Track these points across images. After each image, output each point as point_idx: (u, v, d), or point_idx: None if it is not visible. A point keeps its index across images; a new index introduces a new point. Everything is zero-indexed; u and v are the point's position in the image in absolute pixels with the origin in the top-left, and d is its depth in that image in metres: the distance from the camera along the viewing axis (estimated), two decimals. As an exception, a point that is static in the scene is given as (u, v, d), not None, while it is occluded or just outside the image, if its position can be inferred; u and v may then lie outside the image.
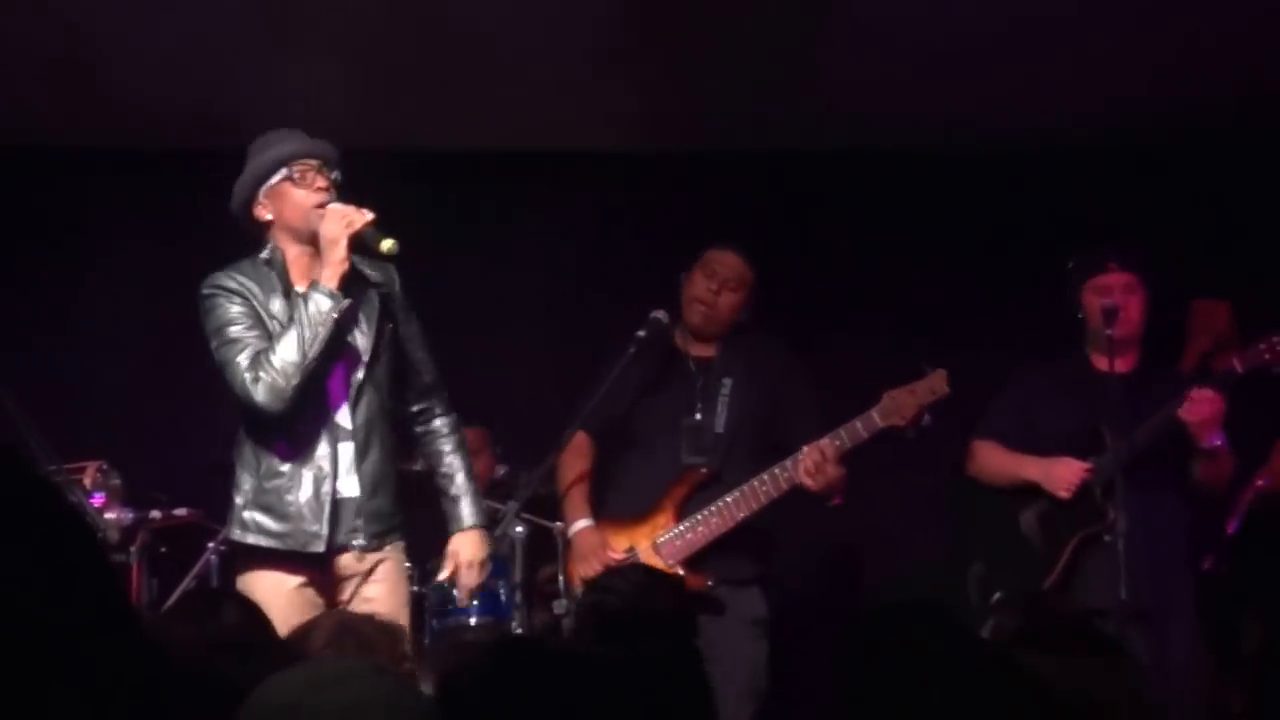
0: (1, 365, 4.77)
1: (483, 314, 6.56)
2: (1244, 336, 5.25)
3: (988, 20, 5.73)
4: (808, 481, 4.98)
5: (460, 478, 4.50)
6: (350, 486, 4.33)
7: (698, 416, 5.17)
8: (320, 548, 4.25)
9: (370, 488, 4.33)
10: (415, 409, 4.53)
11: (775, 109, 6.32)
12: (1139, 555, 4.90)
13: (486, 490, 6.04)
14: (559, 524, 5.26)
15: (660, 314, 5.19)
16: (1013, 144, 6.57)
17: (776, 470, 5.02)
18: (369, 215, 4.21)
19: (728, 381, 5.20)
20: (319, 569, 4.30)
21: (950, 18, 5.70)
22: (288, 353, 4.17)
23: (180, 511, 5.30)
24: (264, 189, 4.31)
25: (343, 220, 4.20)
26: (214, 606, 2.95)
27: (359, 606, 4.20)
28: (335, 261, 4.20)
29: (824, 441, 4.97)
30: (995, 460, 5.32)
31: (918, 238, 6.74)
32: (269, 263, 4.32)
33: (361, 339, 4.35)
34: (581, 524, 5.17)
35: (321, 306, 4.19)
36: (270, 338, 4.24)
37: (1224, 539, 5.53)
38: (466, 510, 4.48)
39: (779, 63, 5.96)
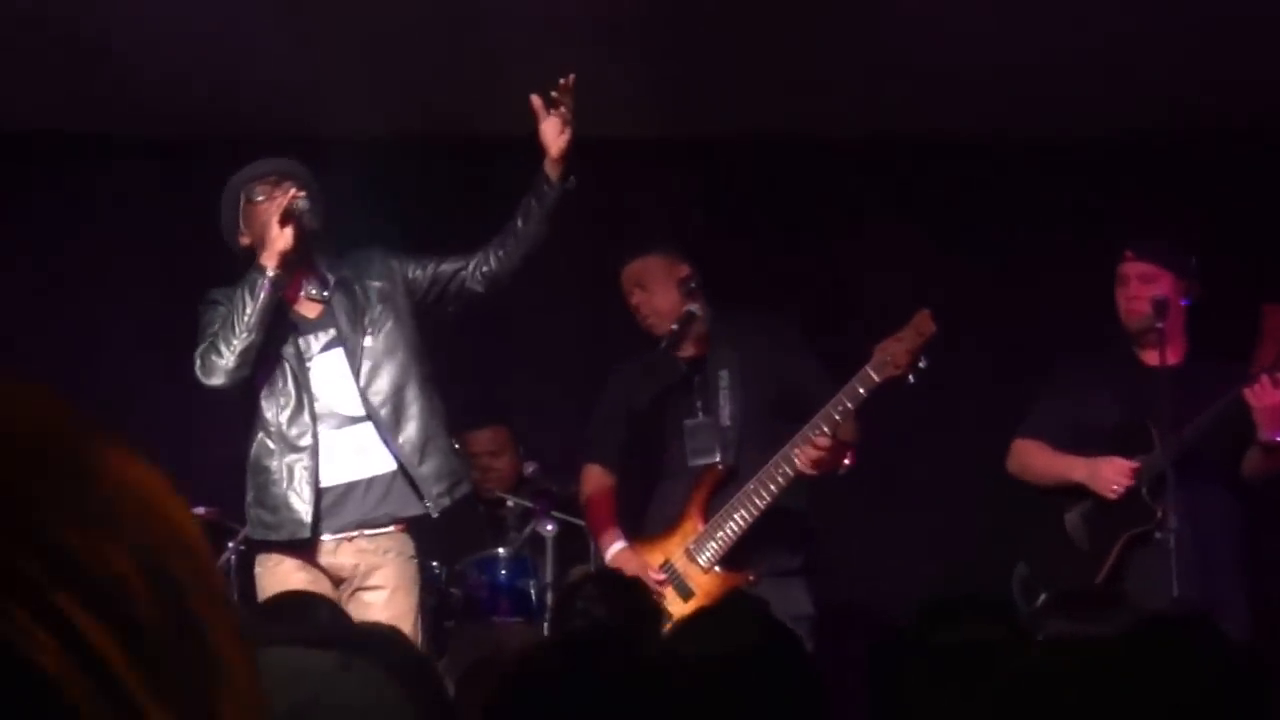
0: (9, 360, 4.76)
1: (500, 306, 6.53)
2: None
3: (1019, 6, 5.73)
4: (810, 473, 4.99)
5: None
6: (374, 466, 4.67)
7: (700, 417, 5.18)
8: (305, 534, 4.57)
9: (418, 455, 4.64)
10: (461, 282, 4.80)
11: (797, 95, 6.34)
12: (1190, 552, 4.89)
13: (515, 488, 6.04)
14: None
15: (694, 307, 5.18)
16: (1075, 133, 6.60)
17: (776, 465, 5.02)
18: (293, 192, 4.61)
19: (724, 374, 5.23)
20: (317, 562, 4.64)
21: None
22: (227, 330, 4.61)
23: (198, 510, 5.29)
24: (239, 219, 4.73)
25: (273, 205, 4.62)
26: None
27: (355, 611, 4.42)
28: (270, 240, 4.60)
29: (812, 438, 4.95)
30: (1038, 460, 5.30)
31: (950, 228, 6.76)
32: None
33: (348, 325, 4.70)
34: (615, 548, 5.20)
35: (254, 280, 4.59)
36: None
37: None
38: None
39: (795, 48, 5.99)
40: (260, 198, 4.68)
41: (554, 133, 4.67)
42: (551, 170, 4.71)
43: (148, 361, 6.28)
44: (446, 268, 4.81)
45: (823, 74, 6.20)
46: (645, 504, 5.31)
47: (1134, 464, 5.09)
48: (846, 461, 5.09)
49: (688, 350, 5.29)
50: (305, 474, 4.61)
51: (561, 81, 4.66)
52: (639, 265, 5.28)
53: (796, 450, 4.98)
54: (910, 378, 4.95)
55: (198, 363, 4.65)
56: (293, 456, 4.63)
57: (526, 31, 5.77)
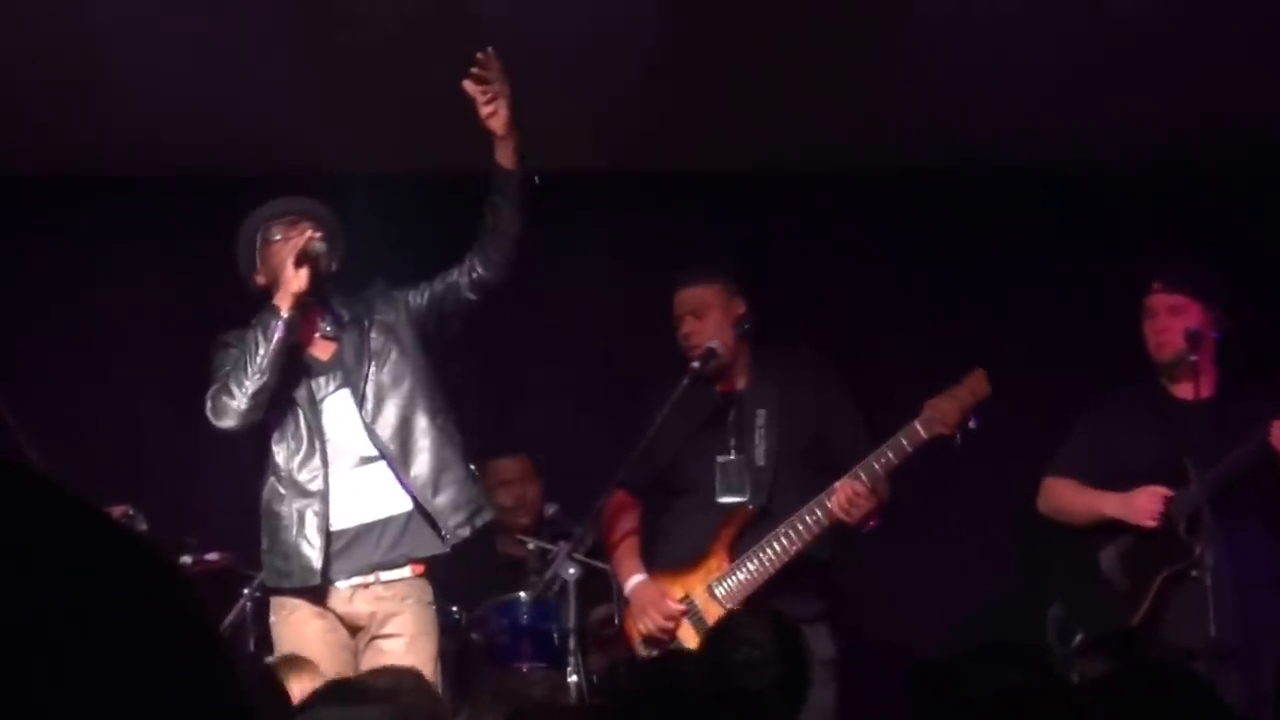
0: (22, 408, 4.75)
1: (526, 343, 6.54)
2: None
3: (1055, 38, 5.77)
4: (844, 519, 4.96)
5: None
6: (389, 506, 4.64)
7: (733, 454, 5.13)
8: (315, 580, 4.55)
9: (432, 488, 4.60)
10: (456, 293, 4.76)
11: (825, 129, 6.36)
12: (1228, 591, 4.85)
13: (536, 529, 5.99)
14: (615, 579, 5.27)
15: (715, 344, 5.12)
16: (1117, 158, 6.58)
17: (810, 512, 5.00)
18: (309, 233, 4.62)
19: (761, 412, 5.17)
20: (334, 609, 4.62)
21: (1010, 37, 5.76)
22: (239, 371, 4.61)
23: (212, 556, 5.29)
24: (256, 259, 4.72)
25: (288, 246, 4.64)
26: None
27: (372, 659, 4.45)
28: (284, 281, 4.61)
29: (851, 481, 4.94)
30: (1070, 497, 5.27)
31: (973, 261, 6.76)
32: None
33: (353, 362, 4.68)
34: (636, 579, 5.17)
35: (267, 322, 4.59)
36: None
37: None
38: None
39: (827, 84, 6.01)
40: (276, 237, 4.68)
41: (487, 111, 4.57)
42: (502, 156, 4.62)
43: (159, 405, 6.31)
44: (439, 286, 4.78)
45: (836, 108, 6.21)
46: (665, 533, 5.25)
47: (1167, 491, 5.03)
48: (871, 523, 5.04)
49: (723, 385, 5.24)
50: (315, 519, 4.58)
51: (479, 55, 4.55)
52: (698, 292, 5.21)
53: (831, 493, 4.95)
54: (958, 438, 4.92)
55: (209, 404, 4.65)
56: (302, 502, 4.60)
57: (538, 65, 5.76)
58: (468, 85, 4.55)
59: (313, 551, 4.56)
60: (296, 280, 4.57)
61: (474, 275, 4.71)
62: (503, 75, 4.54)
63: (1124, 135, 6.42)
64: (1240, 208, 6.60)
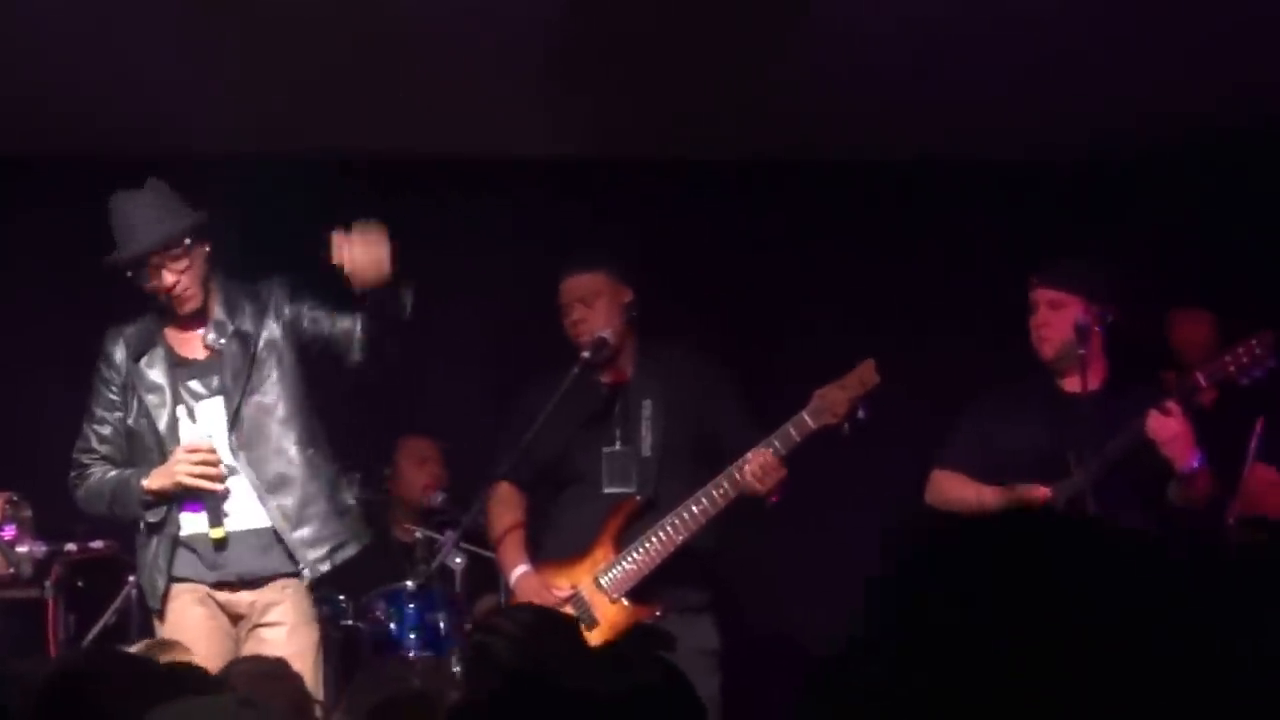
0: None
1: (429, 330, 6.53)
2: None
3: (957, 34, 5.85)
4: (756, 486, 4.98)
5: None
6: (248, 520, 4.64)
7: (619, 445, 5.16)
8: (156, 605, 4.65)
9: (293, 521, 4.60)
10: (347, 353, 4.71)
11: (733, 118, 6.43)
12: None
13: (424, 519, 5.99)
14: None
15: (607, 333, 5.13)
16: (983, 158, 6.68)
17: (715, 487, 5.03)
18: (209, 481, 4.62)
19: (647, 403, 5.21)
20: (215, 598, 4.66)
21: (917, 32, 5.83)
22: (97, 500, 4.77)
23: (97, 544, 5.26)
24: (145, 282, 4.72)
25: (188, 476, 4.59)
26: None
27: (253, 648, 4.48)
28: (162, 477, 4.63)
29: (765, 451, 4.96)
30: (956, 490, 5.32)
31: (875, 249, 6.85)
32: (157, 324, 4.80)
33: (232, 380, 4.65)
34: (519, 570, 5.19)
35: (134, 497, 4.67)
36: (112, 423, 4.75)
37: None
38: None
39: (734, 73, 6.06)
40: (162, 268, 4.64)
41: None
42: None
43: (46, 391, 6.24)
44: (332, 330, 4.75)
45: (745, 97, 6.26)
46: (552, 524, 5.28)
47: (1049, 491, 5.10)
48: (774, 498, 5.09)
49: (609, 376, 5.26)
50: (165, 544, 4.66)
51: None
52: (586, 280, 5.23)
53: (741, 465, 4.98)
54: (846, 427, 4.97)
55: (72, 474, 4.84)
56: (152, 523, 4.68)
57: (442, 48, 5.75)
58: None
59: (159, 576, 4.64)
60: (171, 487, 4.61)
61: (364, 358, 4.70)
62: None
63: (1038, 130, 6.52)
64: (1132, 204, 6.71)
